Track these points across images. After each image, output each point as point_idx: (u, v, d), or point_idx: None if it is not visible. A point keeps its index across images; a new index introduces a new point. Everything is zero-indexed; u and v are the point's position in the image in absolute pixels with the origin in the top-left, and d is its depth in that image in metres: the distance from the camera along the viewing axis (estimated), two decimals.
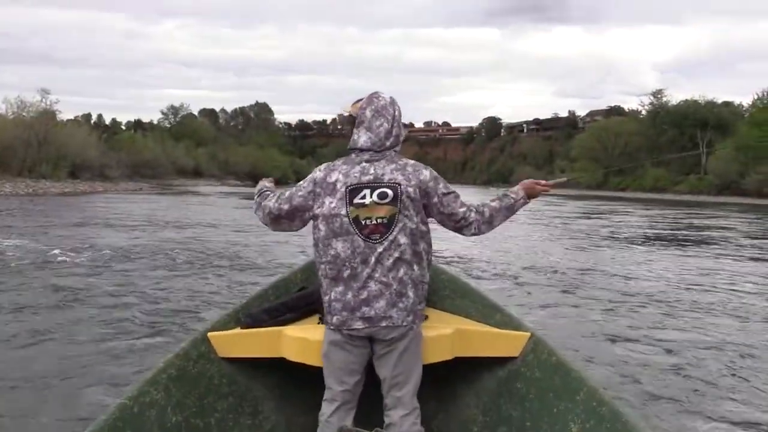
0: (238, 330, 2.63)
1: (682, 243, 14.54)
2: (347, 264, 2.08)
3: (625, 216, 25.43)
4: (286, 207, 2.20)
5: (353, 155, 2.16)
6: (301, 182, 2.21)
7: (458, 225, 2.24)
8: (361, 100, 2.22)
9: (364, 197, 2.09)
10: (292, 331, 2.51)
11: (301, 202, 2.17)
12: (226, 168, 70.86)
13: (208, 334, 2.56)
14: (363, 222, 2.08)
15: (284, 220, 2.24)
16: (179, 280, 7.76)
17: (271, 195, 2.32)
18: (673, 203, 43.62)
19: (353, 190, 2.09)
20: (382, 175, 2.11)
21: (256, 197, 2.38)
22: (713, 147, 63.04)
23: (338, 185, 2.11)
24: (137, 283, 7.38)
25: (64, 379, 4.08)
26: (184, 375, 2.36)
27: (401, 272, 2.09)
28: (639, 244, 13.89)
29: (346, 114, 2.28)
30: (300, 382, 2.54)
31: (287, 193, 2.23)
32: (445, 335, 2.48)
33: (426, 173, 2.17)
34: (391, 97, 2.21)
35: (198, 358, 2.45)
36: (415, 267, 2.13)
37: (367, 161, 2.13)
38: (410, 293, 2.12)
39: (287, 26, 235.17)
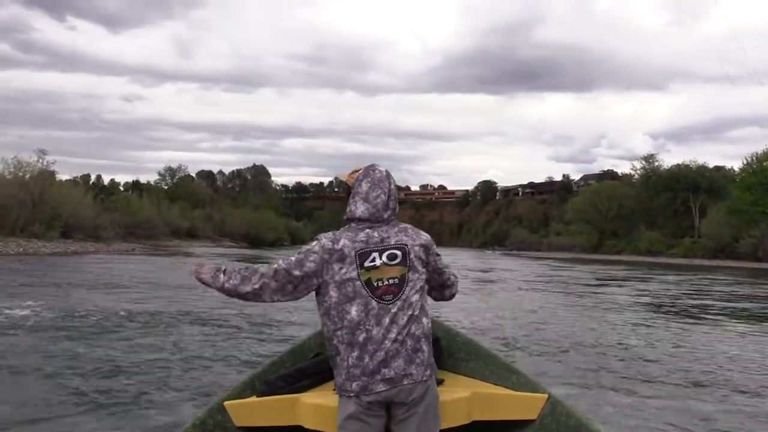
0: (254, 398, 2.60)
1: (709, 312, 13.77)
2: (362, 327, 2.08)
3: (640, 282, 24.42)
4: (297, 272, 2.14)
5: (353, 224, 2.20)
6: (308, 248, 2.18)
7: (444, 283, 2.38)
8: (358, 170, 2.28)
9: (374, 260, 2.13)
10: (308, 398, 2.48)
11: (313, 267, 2.14)
12: (221, 229, 70.80)
13: (225, 403, 2.51)
14: (375, 284, 2.11)
15: (290, 285, 2.16)
16: (177, 345, 7.37)
17: (252, 267, 2.23)
18: (674, 267, 43.29)
19: (362, 255, 2.13)
20: (388, 237, 2.17)
21: (222, 277, 2.21)
22: (706, 210, 63.59)
23: (346, 251, 2.13)
24: (133, 350, 6.98)
25: None
26: None
27: (413, 328, 2.11)
28: (662, 313, 13.22)
29: (342, 179, 2.35)
30: None
31: (294, 259, 2.16)
32: (462, 398, 2.46)
33: (424, 235, 2.26)
34: (387, 171, 2.28)
35: (214, 428, 2.42)
36: (424, 320, 2.16)
37: (369, 228, 2.18)
38: (424, 347, 2.13)
39: (286, 91, 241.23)
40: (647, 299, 16.57)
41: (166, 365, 6.28)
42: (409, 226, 2.27)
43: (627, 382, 6.22)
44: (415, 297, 2.15)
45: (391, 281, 2.12)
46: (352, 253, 2.12)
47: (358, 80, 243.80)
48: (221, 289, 2.22)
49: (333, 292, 2.11)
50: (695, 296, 18.15)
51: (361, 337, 2.07)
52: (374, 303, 2.09)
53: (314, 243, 2.19)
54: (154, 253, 37.45)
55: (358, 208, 2.20)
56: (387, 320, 2.08)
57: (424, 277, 2.21)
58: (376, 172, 2.26)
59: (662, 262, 55.42)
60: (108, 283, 15.71)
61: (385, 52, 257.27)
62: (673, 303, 15.72)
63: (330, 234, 2.20)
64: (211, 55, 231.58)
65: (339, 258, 2.12)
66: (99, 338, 7.67)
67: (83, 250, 35.41)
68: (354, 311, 2.09)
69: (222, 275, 2.22)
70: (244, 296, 2.19)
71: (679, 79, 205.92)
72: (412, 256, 2.17)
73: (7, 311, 9.61)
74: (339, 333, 2.10)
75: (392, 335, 2.08)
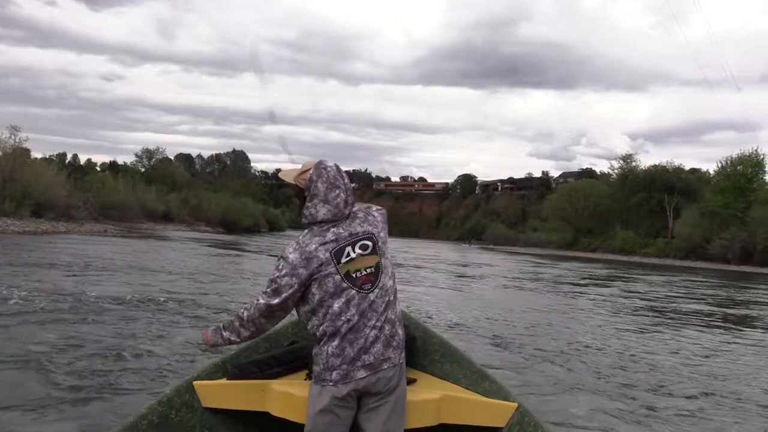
0: (224, 380, 2.59)
1: (691, 315, 13.67)
2: (343, 317, 2.11)
3: (619, 282, 24.49)
4: (276, 301, 2.17)
5: (315, 227, 2.18)
6: (280, 271, 2.15)
7: None
8: (306, 170, 2.22)
9: (348, 254, 2.15)
10: (278, 385, 2.47)
11: (290, 291, 2.14)
12: (197, 214, 69.91)
13: (194, 383, 2.50)
14: (354, 275, 2.14)
15: (278, 312, 2.22)
16: (150, 329, 7.16)
17: (241, 311, 2.27)
18: (648, 266, 43.87)
19: (337, 253, 2.14)
20: (355, 231, 2.19)
21: (224, 333, 2.32)
22: (680, 212, 64.67)
23: (320, 254, 2.13)
24: (104, 334, 6.73)
25: None
26: (166, 423, 2.31)
27: (389, 313, 2.17)
28: (642, 314, 12.92)
29: (288, 180, 2.25)
30: None
31: (270, 290, 2.18)
32: (432, 400, 2.47)
33: (379, 216, 2.26)
34: (336, 165, 2.25)
35: (181, 407, 2.41)
36: (397, 304, 2.23)
37: (333, 226, 2.18)
38: (399, 330, 2.19)
39: (268, 77, 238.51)
40: (627, 299, 16.48)
41: (137, 349, 6.11)
42: (364, 208, 2.26)
43: (608, 386, 6.01)
44: (390, 282, 2.21)
45: (368, 270, 2.16)
46: (327, 255, 2.13)
47: (341, 69, 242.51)
48: (231, 343, 2.36)
49: (315, 291, 2.14)
50: (676, 298, 18.09)
51: (343, 328, 2.10)
52: (354, 293, 2.13)
53: (281, 263, 2.15)
54: (128, 235, 36.84)
55: (319, 211, 2.18)
56: (367, 308, 2.12)
57: (390, 259, 2.26)
58: (328, 170, 2.21)
59: (636, 261, 56.31)
60: (78, 264, 15.31)
61: (370, 42, 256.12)
62: (653, 304, 15.57)
63: (294, 245, 2.17)
64: (194, 38, 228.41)
65: (314, 261, 2.13)
66: (70, 321, 7.40)
67: (54, 229, 34.60)
68: (336, 305, 2.12)
69: (223, 332, 2.32)
70: (250, 338, 2.32)
71: (658, 81, 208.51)
72: (380, 243, 2.22)
73: None
74: (321, 327, 2.13)
75: (372, 322, 2.12)
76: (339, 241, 2.15)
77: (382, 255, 2.21)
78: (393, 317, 2.18)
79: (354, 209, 2.24)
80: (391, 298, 2.19)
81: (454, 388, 2.80)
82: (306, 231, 2.21)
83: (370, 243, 2.19)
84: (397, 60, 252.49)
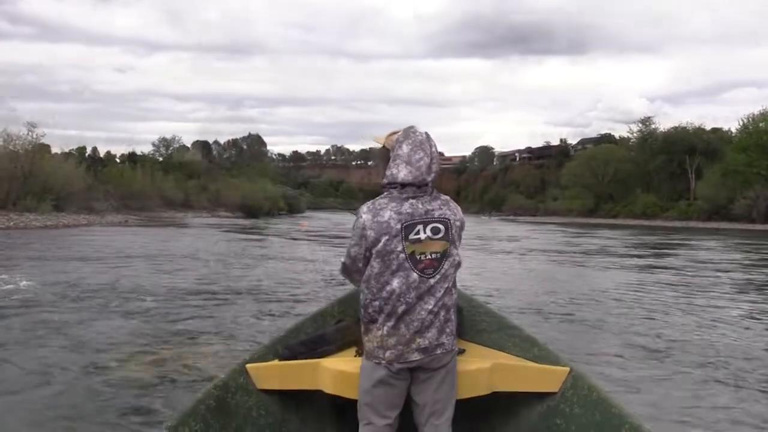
0: (276, 362, 2.65)
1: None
2: (402, 299, 2.11)
3: (674, 249, 22.90)
4: (348, 262, 2.24)
5: (395, 192, 2.17)
6: (353, 230, 2.19)
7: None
8: (395, 132, 2.24)
9: (418, 233, 2.12)
10: (329, 363, 2.51)
11: (358, 251, 2.18)
12: (216, 200, 70.48)
13: (247, 366, 2.56)
14: (418, 257, 2.12)
15: (354, 273, 2.27)
16: (189, 316, 7.29)
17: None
18: (672, 230, 42.67)
19: (408, 227, 2.12)
20: (432, 210, 2.16)
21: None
22: (702, 173, 63.35)
23: (392, 223, 2.12)
24: (142, 323, 6.85)
25: (95, 421, 3.83)
26: (223, 406, 2.37)
27: (446, 299, 2.16)
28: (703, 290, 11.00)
29: (379, 146, 2.29)
30: (337, 414, 2.57)
31: (346, 251, 2.25)
32: (483, 369, 2.47)
33: (458, 208, 2.27)
34: (426, 132, 2.23)
35: (236, 390, 2.46)
36: (454, 291, 2.22)
37: (413, 197, 2.15)
38: (453, 317, 2.20)
39: (279, 59, 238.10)
40: (706, 271, 14.43)
41: (192, 333, 6.25)
42: (449, 198, 2.25)
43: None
44: (452, 271, 2.19)
45: (433, 255, 2.13)
46: (398, 226, 2.11)
47: (351, 47, 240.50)
48: None
49: (375, 263, 2.13)
50: (754, 266, 16.08)
51: (401, 309, 2.10)
52: (415, 276, 2.11)
53: (355, 221, 2.18)
54: (149, 225, 37.32)
55: (401, 171, 2.15)
56: (425, 292, 2.12)
57: (459, 250, 2.22)
58: (417, 134, 2.20)
59: (659, 225, 55.39)
60: (113, 255, 15.52)
61: (378, 19, 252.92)
62: (738, 275, 13.66)
63: (369, 204, 2.17)
64: (203, 24, 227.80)
65: (383, 229, 2.11)
66: (99, 312, 7.55)
67: (75, 222, 35.16)
68: (396, 283, 2.11)
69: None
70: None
71: (673, 41, 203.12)
72: (453, 230, 2.18)
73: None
74: (376, 303, 2.13)
75: (429, 307, 2.12)
76: (414, 216, 2.13)
77: (452, 242, 2.18)
78: (449, 303, 2.18)
79: (444, 197, 2.25)
80: (450, 284, 2.19)
81: (505, 356, 2.79)
82: (385, 194, 2.19)
83: (442, 227, 2.16)
84: (405, 35, 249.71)
